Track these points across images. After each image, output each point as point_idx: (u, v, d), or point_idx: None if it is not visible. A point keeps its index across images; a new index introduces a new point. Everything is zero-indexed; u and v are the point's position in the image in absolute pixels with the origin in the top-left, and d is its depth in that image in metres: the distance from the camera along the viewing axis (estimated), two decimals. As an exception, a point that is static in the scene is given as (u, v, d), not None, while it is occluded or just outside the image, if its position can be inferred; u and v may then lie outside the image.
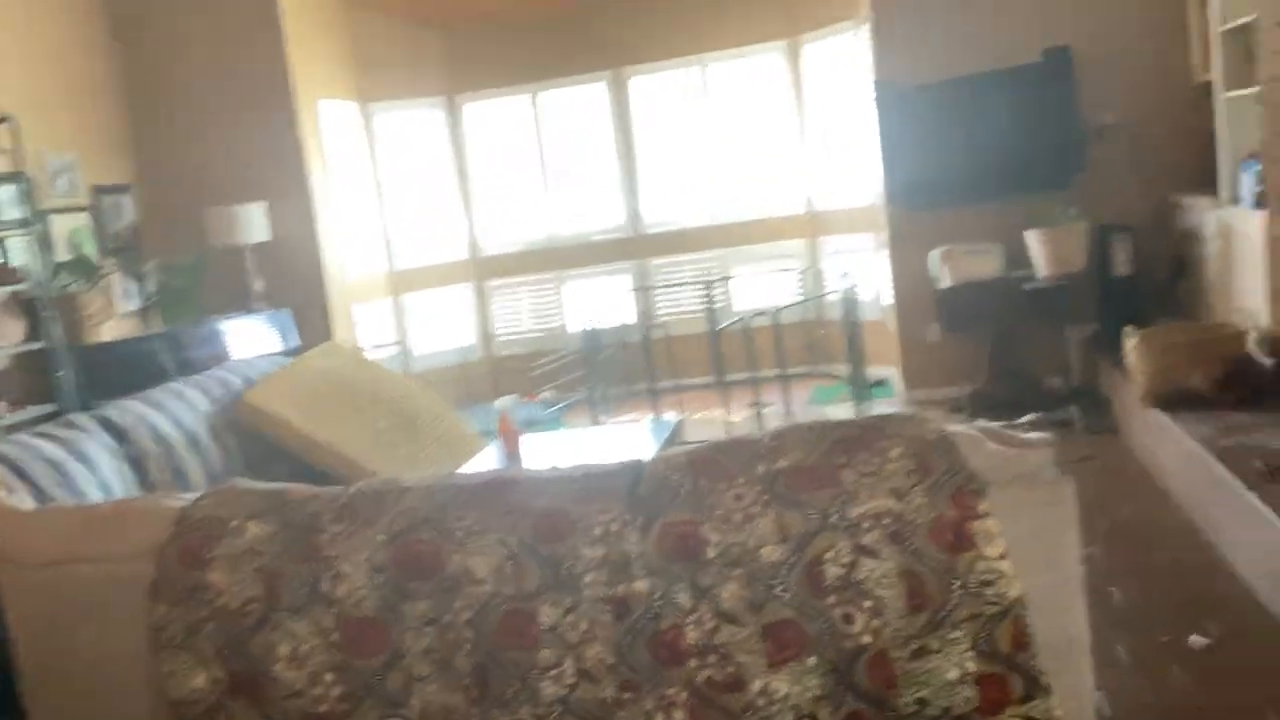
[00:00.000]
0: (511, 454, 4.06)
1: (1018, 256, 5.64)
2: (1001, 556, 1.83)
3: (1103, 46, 5.72)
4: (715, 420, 6.03)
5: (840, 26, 6.81)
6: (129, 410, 3.40)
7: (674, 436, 4.56)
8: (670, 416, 5.32)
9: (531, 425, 6.11)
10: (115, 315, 5.79)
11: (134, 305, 6.10)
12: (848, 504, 1.87)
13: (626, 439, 4.71)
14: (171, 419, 3.46)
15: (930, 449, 1.92)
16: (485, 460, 4.12)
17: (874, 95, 6.05)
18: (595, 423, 6.15)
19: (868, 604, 1.82)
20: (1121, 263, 5.56)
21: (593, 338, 6.40)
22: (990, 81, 5.81)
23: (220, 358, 5.55)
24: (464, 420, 4.67)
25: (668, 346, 6.21)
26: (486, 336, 7.97)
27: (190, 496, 2.11)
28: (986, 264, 5.66)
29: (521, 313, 7.96)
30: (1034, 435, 2.02)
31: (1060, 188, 5.62)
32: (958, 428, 2.02)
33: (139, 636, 1.96)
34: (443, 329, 7.75)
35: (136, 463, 3.23)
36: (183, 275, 6.07)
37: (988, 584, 1.82)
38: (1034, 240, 5.45)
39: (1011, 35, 5.80)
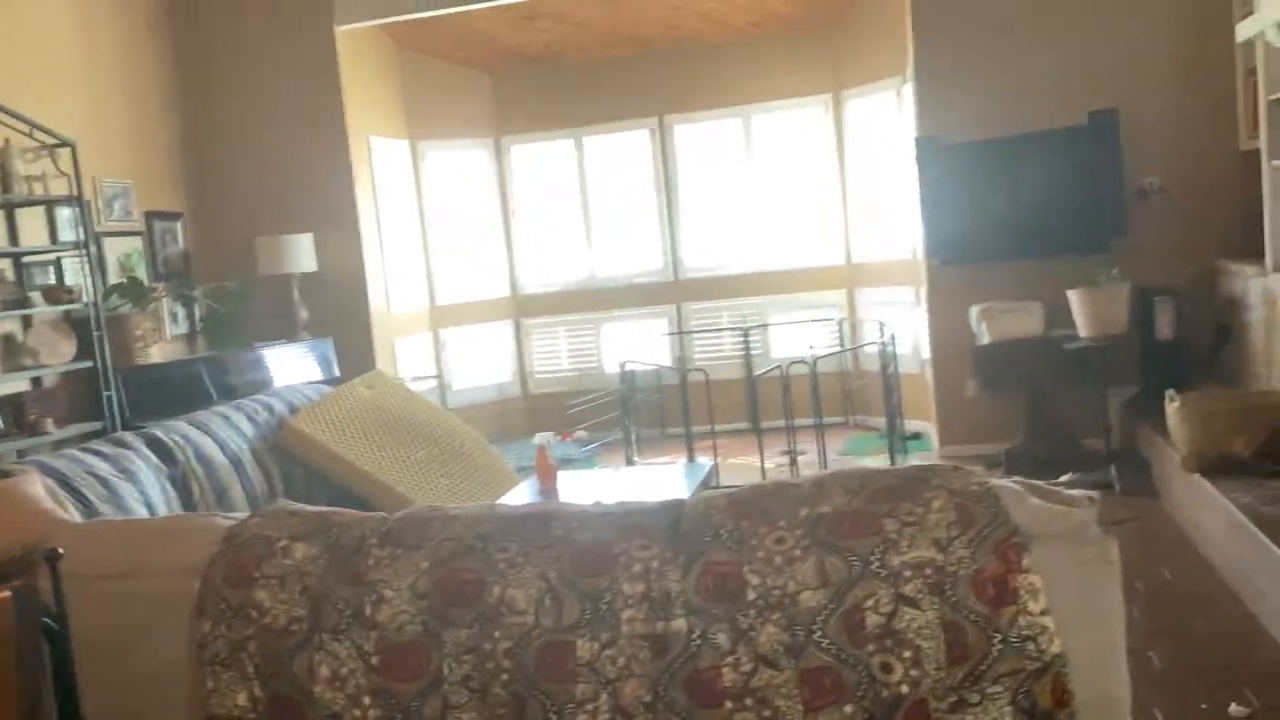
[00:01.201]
0: (548, 490, 4.08)
1: (1057, 315, 5.63)
2: (1044, 612, 1.82)
3: (1149, 110, 5.74)
4: (749, 466, 6.03)
5: (884, 83, 6.88)
6: (176, 431, 3.46)
7: (707, 481, 4.57)
8: (704, 460, 5.32)
9: (566, 463, 6.13)
10: (163, 338, 5.90)
11: (181, 329, 6.21)
12: (889, 552, 1.88)
13: (660, 481, 4.72)
14: (217, 441, 3.51)
15: (974, 501, 1.93)
16: (521, 495, 4.14)
17: (915, 151, 6.09)
18: (629, 463, 6.16)
19: (907, 654, 1.82)
20: (1164, 326, 5.54)
21: (629, 379, 6.43)
22: (1034, 142, 5.83)
23: (262, 384, 5.63)
24: (501, 455, 4.70)
25: (703, 391, 6.23)
26: (523, 374, 8.03)
27: (239, 516, 2.14)
28: (1026, 322, 5.64)
29: (559, 352, 8.02)
30: (1078, 492, 2.02)
31: (1102, 250, 5.61)
32: (1001, 481, 2.02)
33: (180, 651, 1.99)
34: (481, 365, 7.82)
35: (181, 483, 3.28)
36: (230, 302, 6.18)
37: (1029, 639, 1.81)
38: (1076, 300, 5.43)
39: (1057, 96, 5.83)
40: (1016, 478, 2.11)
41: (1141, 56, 5.82)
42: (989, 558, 1.85)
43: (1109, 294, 5.39)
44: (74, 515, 2.74)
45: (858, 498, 1.97)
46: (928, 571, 1.85)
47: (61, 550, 1.66)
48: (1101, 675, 1.87)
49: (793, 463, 5.83)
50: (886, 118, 6.93)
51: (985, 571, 1.84)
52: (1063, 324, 5.59)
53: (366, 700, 1.90)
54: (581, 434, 7.18)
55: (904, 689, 1.81)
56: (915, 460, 5.95)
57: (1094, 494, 2.02)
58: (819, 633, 1.85)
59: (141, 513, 3.01)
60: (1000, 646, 1.80)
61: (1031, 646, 1.81)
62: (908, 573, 1.85)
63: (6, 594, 0.84)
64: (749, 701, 1.85)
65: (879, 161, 7.07)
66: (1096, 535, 1.94)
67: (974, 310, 5.80)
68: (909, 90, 6.37)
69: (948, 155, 5.97)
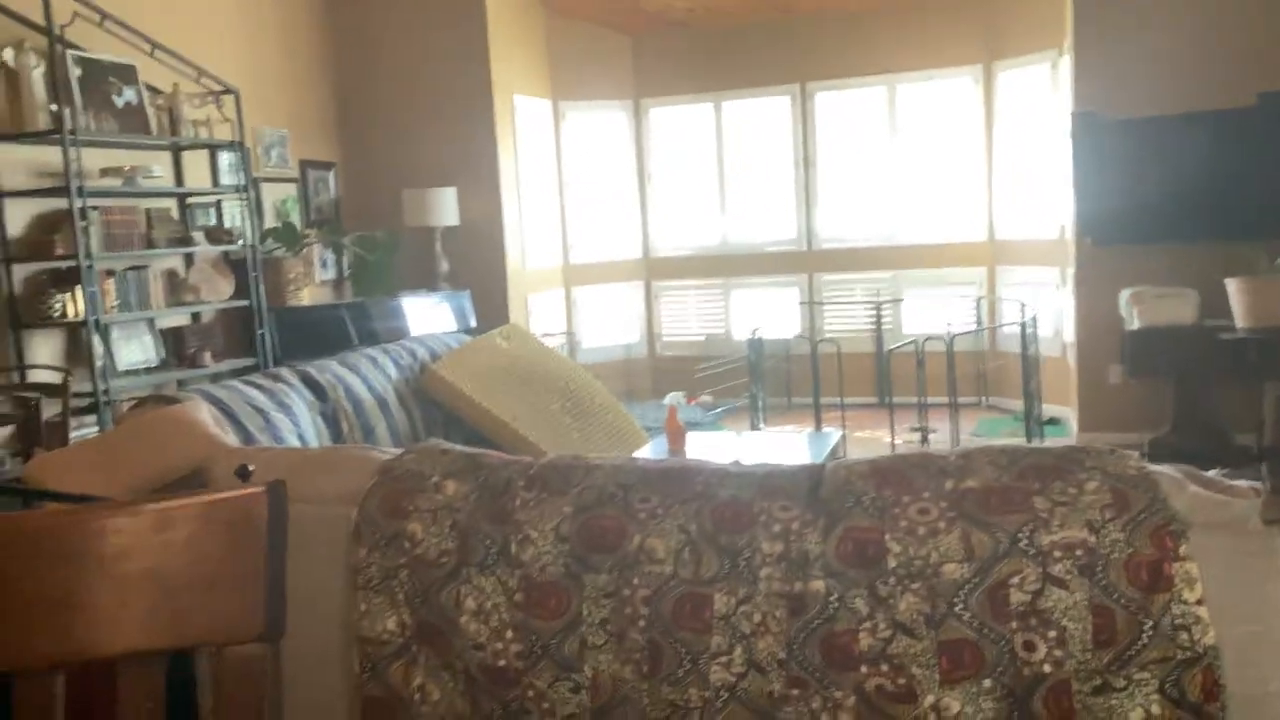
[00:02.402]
0: (676, 450, 4.11)
1: (1212, 304, 5.37)
2: (1199, 602, 1.77)
3: (1325, 92, 5.40)
4: (877, 441, 5.96)
5: (1040, 55, 6.63)
6: (327, 369, 3.61)
7: (835, 451, 4.54)
8: (832, 430, 5.28)
9: (691, 426, 6.16)
10: (312, 282, 6.15)
11: (330, 275, 6.46)
12: (1038, 531, 1.84)
13: (786, 448, 4.71)
14: (365, 381, 3.66)
15: (1130, 485, 1.87)
16: (649, 454, 4.19)
17: (1071, 126, 5.87)
18: (755, 429, 6.16)
19: (1052, 634, 1.79)
20: (1329, 320, 5.22)
21: (757, 346, 6.41)
22: (1198, 121, 5.55)
23: (402, 331, 5.82)
24: (630, 413, 4.76)
25: (833, 362, 6.17)
26: (651, 336, 8.09)
27: (394, 451, 2.23)
28: (1180, 309, 5.41)
29: (688, 315, 8.05)
30: (1242, 483, 1.94)
31: (1265, 238, 5.32)
32: (1159, 467, 1.96)
33: (338, 575, 2.09)
34: (610, 324, 7.91)
35: (331, 418, 3.43)
36: (376, 250, 6.40)
37: (1182, 628, 1.76)
38: (1235, 289, 5.18)
39: (1224, 75, 5.53)
40: (1174, 465, 2.04)
41: (1320, 34, 5.47)
42: (1144, 543, 1.79)
43: (1270, 284, 5.12)
44: (235, 441, 2.90)
45: (1007, 474, 1.93)
46: (1078, 553, 1.80)
47: (252, 468, 1.77)
48: (1255, 671, 1.80)
49: (924, 440, 5.74)
50: (1040, 91, 6.68)
51: (1139, 557, 1.79)
52: (1218, 313, 5.34)
53: (509, 634, 1.97)
54: (707, 398, 7.20)
55: (1046, 668, 1.78)
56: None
57: (1259, 485, 1.94)
58: (960, 605, 1.83)
59: (295, 444, 3.16)
60: (1151, 633, 1.75)
61: (1184, 636, 1.75)
62: (1057, 553, 1.81)
63: (261, 489, 0.91)
64: (884, 667, 1.85)
65: (1029, 136, 6.83)
66: (1259, 527, 1.87)
67: (1125, 294, 5.58)
68: (1066, 63, 6.13)
69: (1106, 132, 5.74)
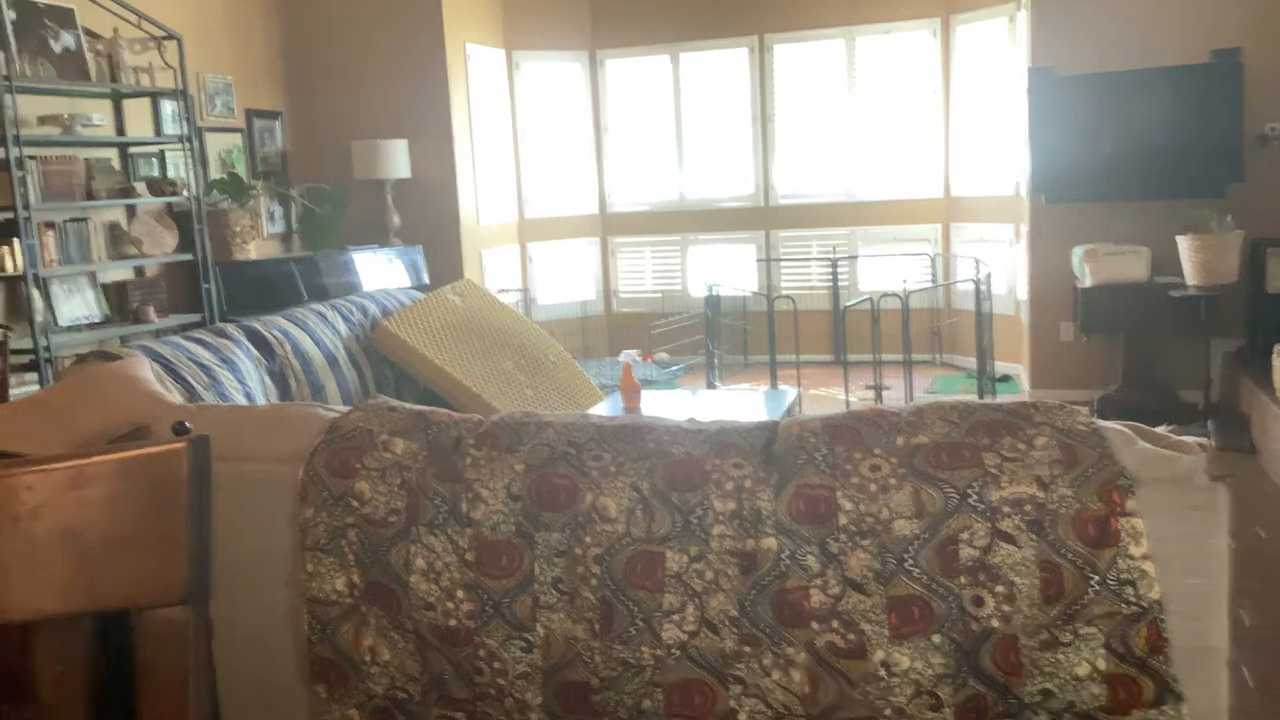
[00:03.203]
0: (631, 408, 4.10)
1: (1164, 262, 5.44)
2: (1145, 557, 1.78)
3: (1275, 51, 5.43)
4: (832, 398, 5.99)
5: (998, 9, 6.61)
6: (274, 326, 3.54)
7: (790, 409, 4.55)
8: (788, 389, 5.29)
9: (647, 384, 6.15)
10: (260, 236, 6.02)
11: (278, 228, 6.33)
12: (988, 486, 1.84)
13: (742, 406, 4.71)
14: (313, 338, 3.59)
15: (1079, 441, 1.88)
16: (604, 411, 4.17)
17: (1028, 82, 5.87)
18: (710, 387, 6.17)
19: (1000, 589, 1.80)
20: (1275, 278, 5.31)
21: (714, 303, 6.39)
22: (1153, 78, 5.58)
23: (352, 287, 5.73)
24: (585, 371, 4.73)
25: (789, 320, 6.17)
26: (608, 292, 8.04)
27: (340, 409, 2.19)
28: (1132, 266, 5.46)
29: (644, 272, 8.01)
30: (1189, 439, 1.96)
31: (1216, 195, 5.38)
32: (1108, 423, 1.97)
33: (284, 535, 2.05)
34: (565, 281, 7.85)
35: (279, 376, 3.37)
36: (325, 203, 6.28)
37: (1128, 583, 1.77)
38: (1185, 246, 5.23)
39: (1179, 32, 5.55)
40: (1122, 421, 2.05)
41: (1274, -8, 5.50)
42: (1092, 498, 1.81)
43: (1220, 242, 5.18)
44: (178, 399, 2.83)
45: (957, 430, 1.93)
46: (1027, 508, 1.81)
47: (189, 425, 1.72)
48: (1200, 623, 1.83)
49: (878, 398, 5.78)
50: (998, 46, 6.67)
51: (1087, 512, 1.80)
52: (1169, 270, 5.40)
53: (460, 594, 1.95)
54: (663, 355, 7.19)
55: (995, 623, 1.79)
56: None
57: (1205, 441, 1.96)
58: (910, 561, 1.84)
59: (242, 402, 3.10)
60: (1097, 588, 1.77)
61: (1130, 591, 1.77)
62: (1006, 508, 1.82)
63: (182, 444, 0.87)
64: (835, 624, 1.85)
65: (986, 92, 6.83)
66: (1205, 483, 1.89)
67: (1078, 251, 5.63)
68: (1023, 18, 6.12)
69: (1061, 88, 5.75)
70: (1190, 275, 5.24)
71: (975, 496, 1.84)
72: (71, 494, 0.83)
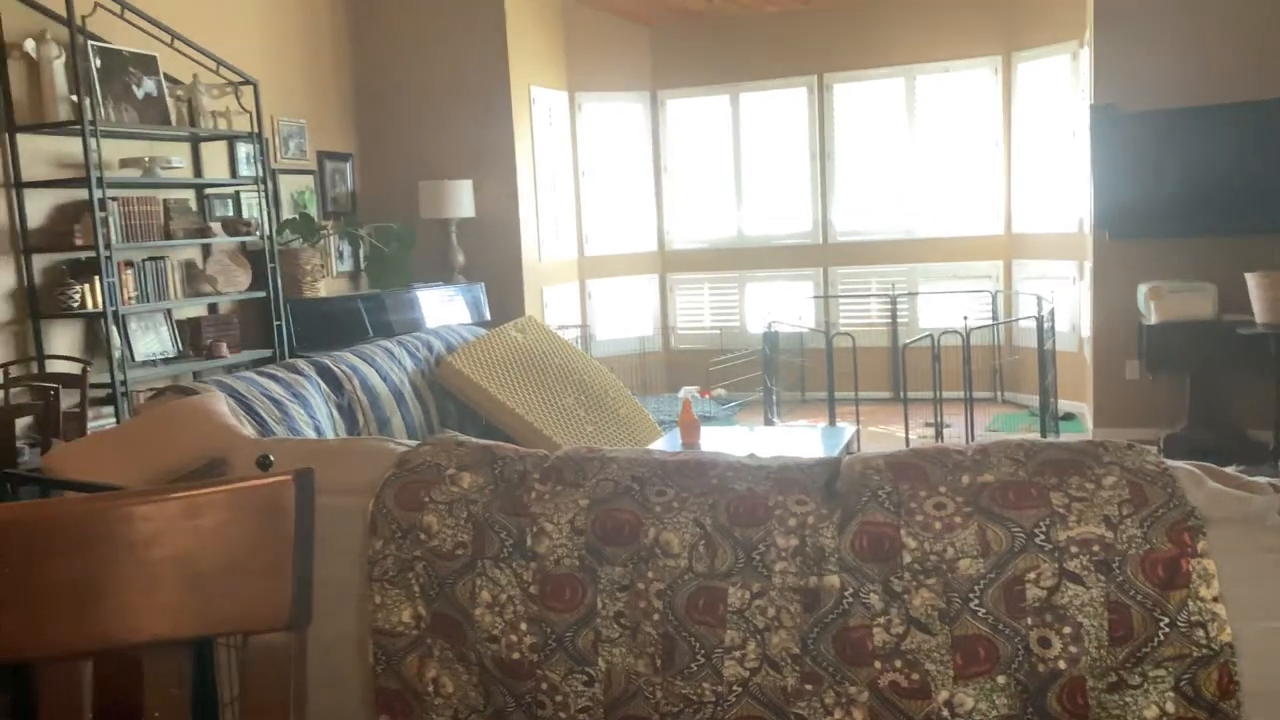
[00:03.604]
0: (690, 444, 4.11)
1: (1231, 299, 5.34)
2: (1216, 599, 1.76)
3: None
4: (891, 436, 5.95)
5: (1060, 47, 6.59)
6: (343, 361, 3.62)
7: (849, 446, 4.53)
8: (846, 426, 5.27)
9: (705, 420, 6.16)
10: (329, 274, 6.17)
11: (346, 266, 6.49)
12: (1055, 526, 1.83)
13: (800, 443, 4.70)
14: (380, 373, 3.67)
15: (1148, 481, 1.86)
16: (663, 447, 4.19)
17: (1090, 119, 5.83)
18: (768, 423, 6.16)
19: (1067, 630, 1.78)
20: (1350, 316, 5.18)
21: (772, 340, 6.40)
22: (1217, 114, 5.51)
23: (416, 323, 5.84)
24: (644, 407, 4.76)
25: (847, 356, 6.16)
26: (666, 329, 8.09)
27: (409, 443, 2.24)
28: (1198, 303, 5.37)
29: (702, 309, 8.04)
30: (1261, 479, 1.93)
31: (1286, 231, 5.28)
32: (1178, 462, 1.95)
33: (353, 566, 2.10)
34: (624, 317, 7.92)
35: (347, 410, 3.45)
36: (393, 242, 6.41)
37: (1199, 625, 1.75)
38: (1254, 284, 5.14)
39: (1243, 68, 5.49)
40: (1191, 460, 2.03)
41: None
42: (1162, 539, 1.79)
43: (1292, 279, 5.08)
44: (251, 433, 2.92)
45: (1024, 469, 1.93)
46: (1095, 548, 1.80)
47: (273, 458, 1.78)
48: (1272, 668, 1.79)
49: (938, 435, 5.72)
50: (1060, 83, 6.64)
51: (1156, 553, 1.78)
52: (1237, 308, 5.30)
53: (523, 626, 1.97)
54: (721, 392, 7.20)
55: (1061, 664, 1.77)
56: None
57: (1278, 481, 1.93)
58: (975, 601, 1.83)
59: (311, 435, 3.17)
60: (1167, 630, 1.75)
61: (1200, 633, 1.75)
62: (1074, 548, 1.81)
63: (289, 476, 0.92)
64: (898, 663, 1.85)
65: (1048, 129, 6.80)
66: (1278, 523, 1.86)
67: (1143, 289, 5.55)
68: (1086, 55, 6.09)
69: (1124, 124, 5.70)
70: (1259, 313, 5.14)
71: (1042, 536, 1.83)
72: (185, 523, 0.88)
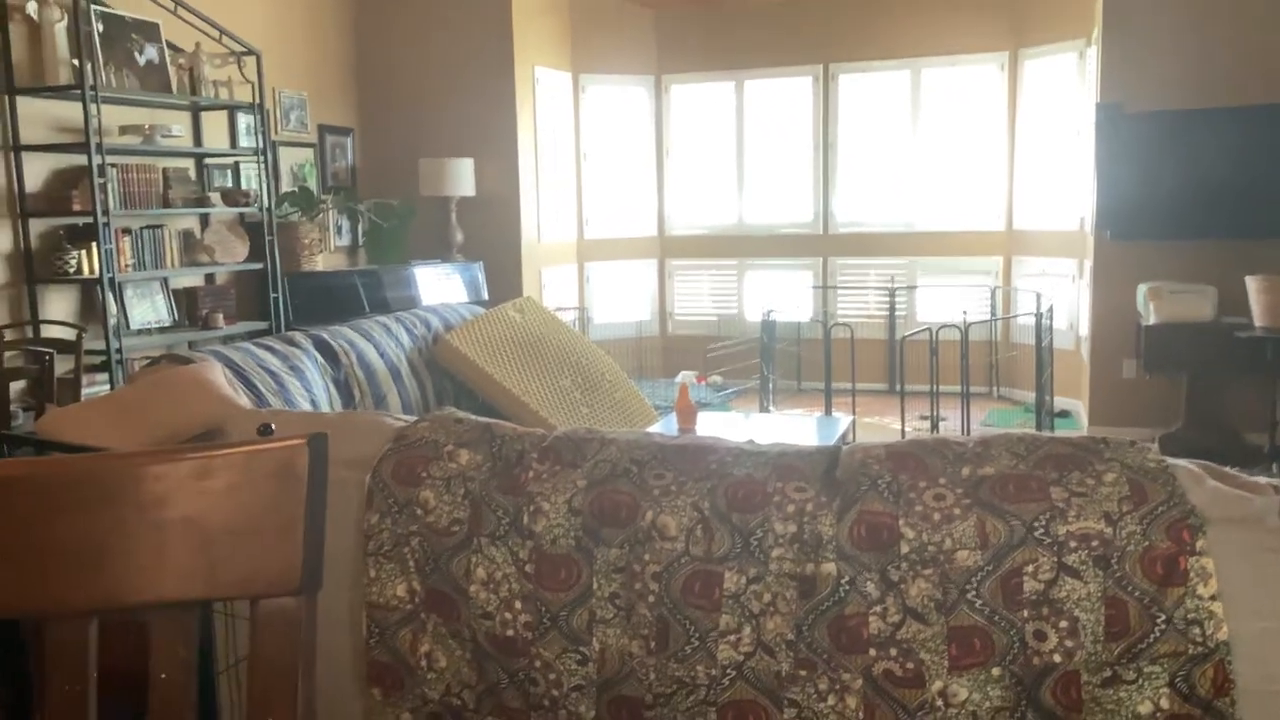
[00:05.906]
0: (686, 429, 4.11)
1: (1230, 301, 5.34)
2: (1214, 597, 1.75)
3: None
4: (886, 428, 5.95)
5: (1067, 44, 6.57)
6: (341, 335, 3.60)
7: (844, 437, 4.53)
8: (841, 416, 5.27)
9: (700, 406, 6.16)
10: (327, 248, 6.14)
11: (344, 241, 6.45)
12: (1055, 520, 1.83)
13: (795, 431, 4.70)
14: (378, 349, 3.65)
15: (1149, 478, 1.86)
16: (659, 431, 4.18)
17: (1096, 118, 5.81)
18: (764, 411, 6.15)
19: (1063, 624, 1.78)
20: (1348, 322, 5.19)
21: (769, 328, 6.39)
22: (1222, 116, 5.50)
23: (413, 300, 5.82)
24: (640, 391, 4.75)
25: (844, 347, 6.16)
26: (663, 314, 8.07)
27: (407, 418, 2.23)
28: (1197, 305, 5.37)
29: (701, 295, 8.03)
30: (1262, 479, 1.93)
31: (1287, 235, 5.28)
32: (1178, 460, 1.95)
33: (348, 540, 2.09)
34: (622, 301, 7.90)
35: (343, 385, 3.43)
36: (392, 218, 6.38)
37: (1195, 623, 1.75)
38: (1254, 287, 5.14)
39: (1249, 71, 5.48)
40: (1192, 459, 2.03)
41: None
42: (1161, 536, 1.78)
43: (1292, 283, 5.08)
44: (246, 404, 2.90)
45: (1024, 462, 1.92)
46: (1094, 544, 1.79)
47: (274, 426, 1.76)
48: (1269, 668, 1.79)
49: (934, 428, 5.72)
50: (1066, 81, 6.62)
51: (1155, 550, 1.78)
52: (1236, 310, 5.31)
53: (518, 605, 1.97)
54: (717, 378, 7.20)
55: (1056, 658, 1.77)
56: (1060, 438, 5.75)
57: (1278, 482, 1.93)
58: (972, 593, 1.83)
59: (307, 408, 3.15)
60: (1164, 627, 1.75)
61: (1197, 631, 1.75)
62: (1073, 543, 1.80)
63: (302, 440, 0.90)
64: (893, 652, 1.85)
65: (1052, 126, 6.78)
66: (1277, 524, 1.86)
67: (1142, 289, 5.55)
68: (1093, 54, 6.07)
69: (1129, 124, 5.69)
70: (1258, 316, 5.14)
71: (1041, 530, 1.83)
72: (196, 484, 0.87)
